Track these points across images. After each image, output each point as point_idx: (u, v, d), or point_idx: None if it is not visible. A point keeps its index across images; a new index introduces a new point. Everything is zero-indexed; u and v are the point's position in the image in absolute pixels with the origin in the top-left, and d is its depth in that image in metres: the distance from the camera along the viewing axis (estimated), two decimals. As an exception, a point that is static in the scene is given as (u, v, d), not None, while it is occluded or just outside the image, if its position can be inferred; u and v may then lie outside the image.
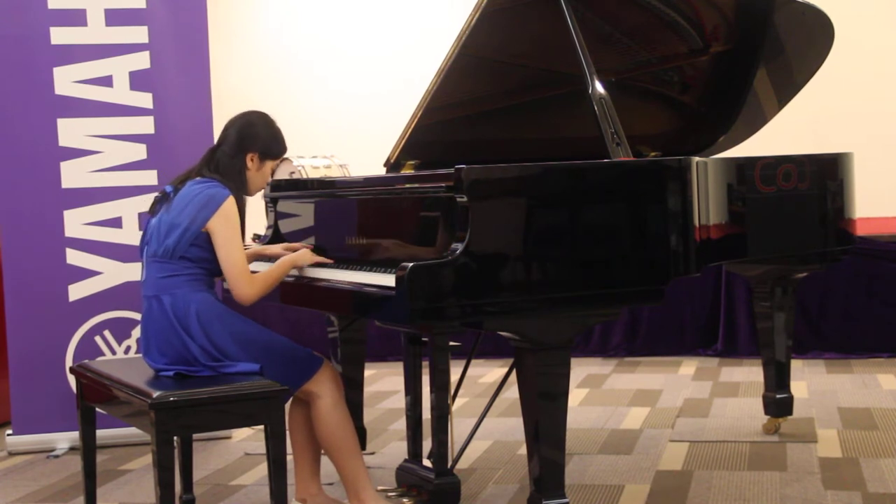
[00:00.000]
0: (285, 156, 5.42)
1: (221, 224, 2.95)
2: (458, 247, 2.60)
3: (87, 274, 4.27)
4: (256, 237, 5.32)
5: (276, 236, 3.62)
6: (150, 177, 4.28)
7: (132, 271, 4.23)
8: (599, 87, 3.04)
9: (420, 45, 6.89)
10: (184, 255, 2.96)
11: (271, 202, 3.65)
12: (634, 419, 4.41)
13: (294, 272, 3.21)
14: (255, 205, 4.68)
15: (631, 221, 2.78)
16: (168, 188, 3.10)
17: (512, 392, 4.45)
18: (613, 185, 2.80)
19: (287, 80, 7.21)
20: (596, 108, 3.01)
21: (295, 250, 3.28)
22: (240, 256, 2.96)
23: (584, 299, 2.72)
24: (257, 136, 3.11)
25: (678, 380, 5.19)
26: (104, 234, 4.27)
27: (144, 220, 3.16)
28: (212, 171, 3.06)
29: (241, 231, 3.02)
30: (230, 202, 2.97)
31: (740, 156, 3.29)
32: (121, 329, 4.29)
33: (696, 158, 2.93)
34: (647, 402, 4.73)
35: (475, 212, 2.62)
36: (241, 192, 3.07)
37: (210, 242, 2.96)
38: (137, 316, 4.18)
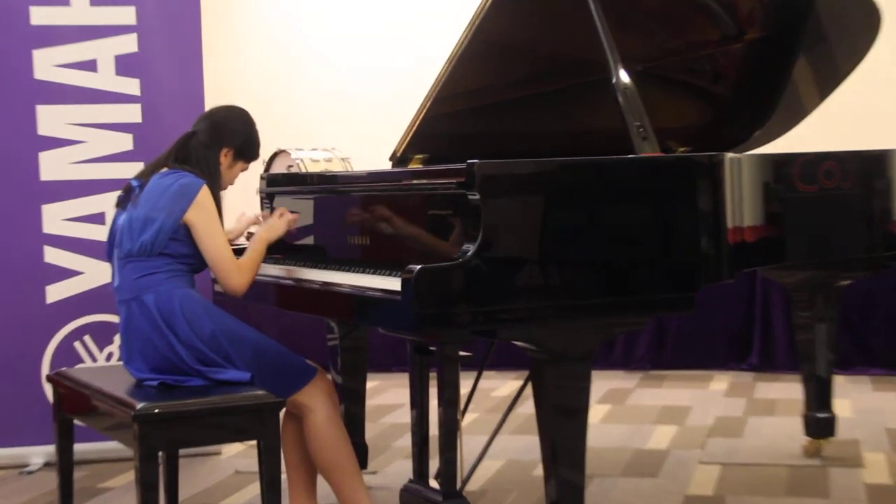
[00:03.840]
0: (283, 147, 5.48)
1: (199, 215, 2.99)
2: (470, 248, 2.61)
3: (66, 274, 4.29)
4: (249, 236, 5.34)
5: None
6: (136, 169, 4.25)
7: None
8: (624, 77, 3.04)
9: (430, 28, 6.90)
10: (163, 252, 2.99)
11: (267, 198, 3.67)
12: (661, 438, 4.41)
13: (291, 274, 3.22)
14: (249, 200, 4.70)
15: (658, 222, 2.79)
16: (134, 182, 3.13)
17: (527, 407, 4.44)
18: (639, 182, 2.80)
19: (286, 65, 7.22)
20: (620, 98, 3.01)
21: (258, 223, 3.35)
22: (224, 245, 3.01)
23: (607, 307, 2.73)
24: (238, 131, 3.15)
25: (709, 396, 5.19)
26: (86, 231, 4.29)
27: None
28: (181, 161, 3.09)
29: (220, 220, 3.05)
30: (205, 191, 3.02)
31: (778, 152, 3.29)
32: (102, 334, 4.31)
33: (730, 154, 2.94)
34: (675, 419, 4.73)
35: (488, 210, 2.63)
36: (215, 184, 3.10)
37: (190, 236, 3.00)
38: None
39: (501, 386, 5.53)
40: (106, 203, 4.28)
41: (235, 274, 3.01)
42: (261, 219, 3.47)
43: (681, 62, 3.66)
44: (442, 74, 3.44)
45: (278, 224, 3.25)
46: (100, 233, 4.28)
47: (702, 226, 2.82)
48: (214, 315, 3.01)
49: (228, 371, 2.97)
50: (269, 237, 3.20)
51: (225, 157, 3.14)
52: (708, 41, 3.61)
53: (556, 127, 3.72)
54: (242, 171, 3.22)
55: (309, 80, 7.23)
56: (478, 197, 2.64)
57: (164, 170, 3.10)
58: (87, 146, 4.29)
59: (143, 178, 3.12)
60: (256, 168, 5.18)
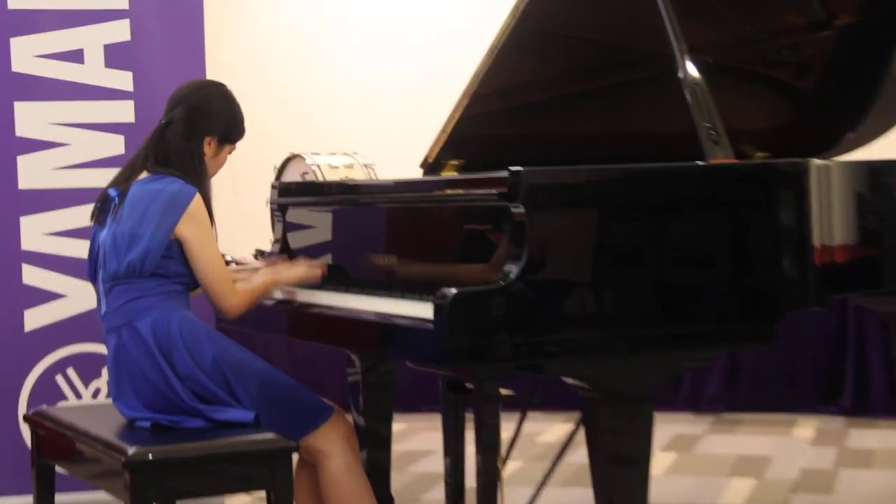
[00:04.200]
0: (297, 152, 5.51)
1: (192, 227, 3.02)
2: (513, 269, 2.62)
3: (47, 297, 4.32)
4: (259, 253, 5.35)
5: (284, 253, 3.65)
6: (128, 176, 4.33)
7: (103, 295, 4.28)
8: (693, 70, 3.04)
9: (467, 12, 6.93)
10: (155, 272, 3.02)
11: (279, 210, 3.69)
12: (736, 494, 4.39)
13: (306, 298, 3.24)
14: (258, 214, 4.71)
15: (732, 240, 2.78)
16: (111, 191, 3.15)
17: (579, 455, 4.43)
18: (710, 193, 2.81)
19: (299, 57, 7.26)
20: (688, 95, 3.01)
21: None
22: (218, 261, 3.06)
23: (672, 338, 2.72)
24: (216, 113, 3.16)
25: (792, 444, 5.15)
26: (70, 248, 4.31)
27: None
28: (161, 162, 3.11)
29: (212, 228, 3.10)
30: (197, 201, 3.05)
31: (874, 158, 3.28)
32: (88, 366, 4.33)
33: (817, 161, 2.93)
34: (753, 471, 4.70)
35: (534, 225, 2.64)
36: (202, 184, 3.13)
37: (183, 252, 3.03)
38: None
39: (549, 430, 5.51)
40: (93, 216, 4.32)
41: (230, 295, 3.06)
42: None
43: (759, 53, 3.64)
44: (481, 69, 3.46)
45: (299, 274, 3.24)
46: (86, 249, 4.27)
47: (783, 244, 2.81)
48: (217, 340, 3.04)
49: (231, 410, 2.99)
50: (281, 281, 3.23)
51: (209, 146, 3.16)
52: (791, 28, 3.60)
53: (612, 129, 3.71)
54: (230, 153, 3.24)
55: (326, 74, 7.25)
56: (522, 210, 2.65)
57: (145, 175, 3.12)
58: (71, 149, 4.31)
59: (120, 185, 3.14)
60: (266, 175, 5.23)
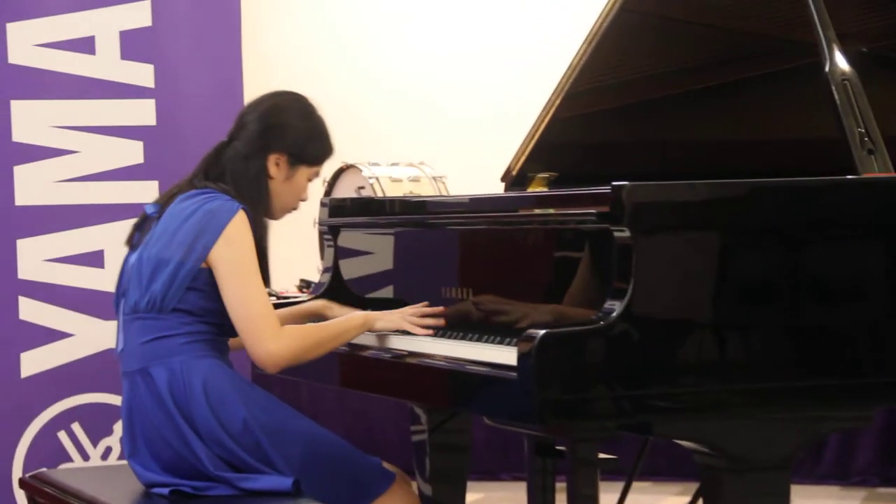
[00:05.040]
0: (351, 162, 5.52)
1: (228, 251, 3.00)
2: (615, 306, 2.61)
3: (49, 336, 4.37)
4: (305, 285, 5.37)
5: (335, 284, 3.66)
6: (148, 190, 4.35)
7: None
8: (842, 62, 3.01)
9: (552, 6, 6.92)
10: (178, 307, 3.02)
11: (329, 232, 3.70)
12: (892, 587, 4.32)
13: (365, 340, 3.24)
14: (302, 236, 4.73)
15: (891, 271, 2.76)
16: (150, 209, 3.16)
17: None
18: (862, 214, 2.78)
19: (353, 50, 7.27)
20: (836, 94, 2.98)
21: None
22: (258, 294, 3.00)
23: (815, 392, 2.70)
24: (288, 127, 3.15)
25: (964, 527, 5.07)
26: (77, 277, 4.37)
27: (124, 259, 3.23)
28: (213, 178, 3.12)
29: (261, 260, 3.06)
30: (240, 219, 3.02)
31: None
32: (98, 421, 4.38)
33: None
34: (914, 560, 4.63)
35: (642, 252, 2.63)
36: (259, 209, 3.11)
37: (213, 284, 3.02)
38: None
39: (660, 503, 5.48)
40: (106, 238, 4.36)
41: (270, 337, 2.99)
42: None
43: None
44: (576, 62, 3.45)
45: (396, 318, 3.16)
46: (97, 279, 4.37)
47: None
48: (250, 397, 3.03)
49: (266, 477, 2.99)
50: (368, 321, 3.14)
51: (276, 167, 3.14)
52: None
53: (738, 135, 3.68)
54: (312, 178, 3.22)
55: (386, 69, 7.26)
56: (627, 234, 2.64)
57: (191, 191, 3.15)
58: (79, 158, 4.37)
59: (161, 202, 3.16)
60: (314, 190, 5.26)
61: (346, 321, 3.15)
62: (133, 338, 3.07)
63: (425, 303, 3.20)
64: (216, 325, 3.06)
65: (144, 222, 3.17)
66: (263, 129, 3.14)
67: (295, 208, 3.24)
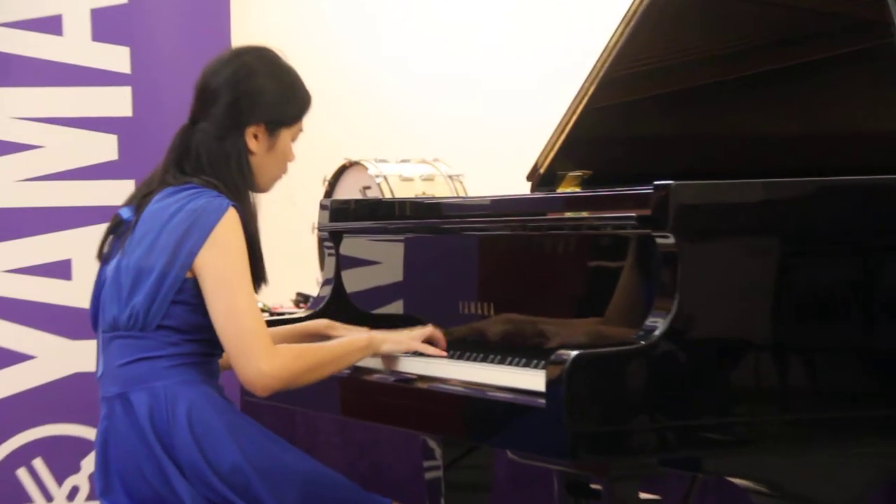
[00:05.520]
0: (355, 159, 5.52)
1: (216, 256, 2.98)
2: (658, 323, 2.61)
3: (8, 359, 4.37)
4: (302, 299, 5.37)
5: (336, 298, 3.66)
6: (122, 190, 4.28)
7: (87, 354, 4.28)
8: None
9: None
10: (163, 324, 3.01)
11: (330, 239, 3.70)
12: None
13: (370, 362, 3.24)
14: (301, 243, 4.71)
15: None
16: (125, 212, 3.14)
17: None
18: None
19: (356, 30, 7.28)
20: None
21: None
22: (247, 308, 2.98)
23: (889, 424, 2.69)
24: (259, 93, 3.11)
25: None
26: (40, 291, 4.37)
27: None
28: (190, 171, 3.09)
29: (253, 264, 3.03)
30: (230, 219, 3.00)
31: None
32: (64, 456, 4.37)
33: None
34: None
35: (689, 262, 2.62)
36: (246, 194, 3.09)
37: (201, 295, 3.01)
38: (93, 434, 4.24)
39: (706, 551, 5.45)
40: (74, 246, 4.36)
41: (262, 356, 2.97)
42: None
43: None
44: (612, 44, 3.44)
45: (405, 341, 3.17)
46: (63, 293, 4.37)
47: None
48: (240, 430, 3.01)
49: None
50: (373, 344, 3.14)
51: (256, 140, 3.12)
52: None
53: (798, 127, 3.66)
54: (297, 137, 3.18)
55: (398, 54, 7.26)
56: (672, 240, 2.63)
57: (168, 188, 3.12)
58: (43, 154, 4.37)
59: (137, 203, 3.13)
60: (313, 190, 5.23)
61: (349, 342, 3.15)
62: (112, 359, 3.06)
63: (433, 328, 3.20)
64: (206, 342, 3.04)
65: (119, 227, 3.14)
66: (232, 102, 3.11)
67: (285, 173, 3.23)
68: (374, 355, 3.16)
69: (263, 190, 3.19)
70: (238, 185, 3.09)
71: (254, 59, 3.18)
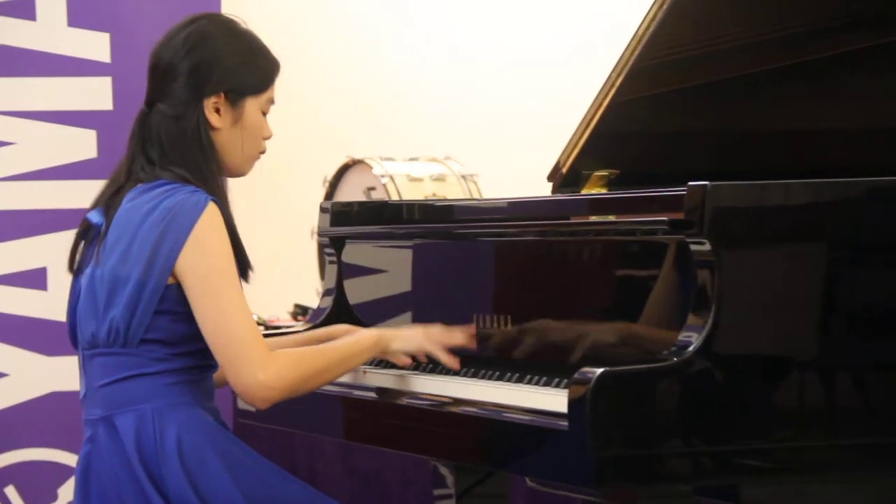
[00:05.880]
0: (359, 157, 5.52)
1: (199, 258, 2.95)
2: (692, 338, 2.61)
3: (-24, 377, 4.39)
4: (300, 311, 5.36)
5: (338, 309, 3.65)
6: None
7: (64, 372, 4.30)
8: None
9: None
10: (147, 337, 2.99)
11: (331, 245, 3.70)
12: None
13: (375, 380, 3.24)
14: (299, 249, 4.71)
15: None
16: (94, 216, 3.09)
17: None
18: None
19: (358, 19, 7.28)
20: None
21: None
22: (238, 312, 2.95)
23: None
24: (213, 58, 3.06)
25: None
26: (12, 302, 4.38)
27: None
28: (157, 161, 3.04)
29: (236, 253, 3.01)
30: (210, 216, 2.96)
31: None
32: (39, 483, 4.37)
33: None
34: None
35: (727, 270, 2.62)
36: (210, 180, 3.04)
37: (187, 303, 3.00)
38: (72, 459, 4.24)
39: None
40: (49, 252, 4.35)
41: (259, 364, 2.94)
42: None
43: None
44: (642, 31, 3.43)
45: (424, 339, 3.17)
46: (38, 305, 4.38)
47: None
48: (235, 458, 3.00)
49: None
50: (383, 340, 3.13)
51: (217, 114, 3.07)
52: None
53: (841, 122, 3.66)
54: (268, 108, 3.14)
55: (406, 42, 7.26)
56: (708, 247, 2.63)
57: (138, 185, 3.07)
58: (15, 151, 4.39)
59: (105, 203, 3.11)
60: (312, 191, 5.23)
61: (355, 341, 3.13)
62: (94, 378, 3.04)
63: (454, 330, 3.19)
64: (196, 353, 3.01)
65: (88, 232, 3.13)
66: (186, 74, 3.07)
67: (262, 152, 3.18)
68: (383, 354, 3.16)
69: (238, 172, 3.14)
70: (201, 166, 3.04)
71: (207, 23, 3.13)
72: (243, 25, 3.15)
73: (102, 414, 3.02)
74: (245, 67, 3.10)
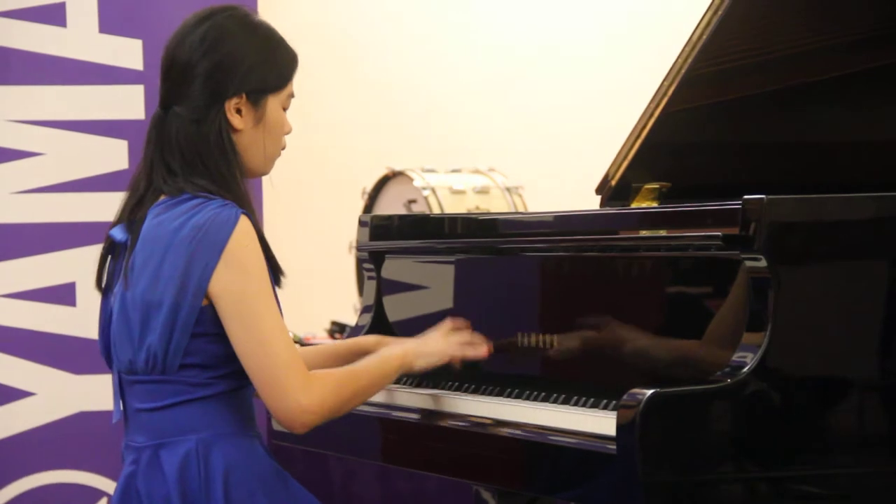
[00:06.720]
0: (399, 168, 5.52)
1: (232, 277, 2.91)
2: (747, 359, 2.60)
3: (4, 396, 4.38)
4: (338, 328, 5.36)
5: (378, 327, 3.65)
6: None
7: (92, 391, 4.31)
8: None
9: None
10: (186, 362, 2.97)
11: (370, 260, 3.69)
12: None
13: (413, 401, 3.22)
14: (337, 264, 4.71)
15: None
16: (117, 233, 3.06)
17: None
18: None
19: (400, 22, 7.30)
20: None
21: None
22: (276, 334, 2.93)
23: None
24: (234, 57, 3.00)
25: None
26: (40, 318, 4.38)
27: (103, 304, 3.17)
28: (178, 169, 3.00)
29: (270, 269, 2.98)
30: (242, 232, 2.91)
31: None
32: (73, 508, 4.40)
33: None
34: None
35: (783, 288, 2.61)
36: (233, 184, 2.99)
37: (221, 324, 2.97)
38: (105, 483, 4.24)
39: None
40: (79, 267, 4.34)
41: (300, 388, 2.92)
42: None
43: None
44: (697, 36, 3.41)
45: (440, 348, 3.17)
46: (67, 321, 4.37)
47: None
48: (284, 495, 2.99)
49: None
50: (413, 366, 3.14)
51: (239, 116, 3.03)
52: None
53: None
54: (288, 104, 3.10)
55: (447, 53, 7.27)
56: (763, 263, 2.62)
57: (162, 199, 3.07)
58: (45, 162, 4.39)
59: (128, 219, 3.07)
60: (351, 203, 5.23)
61: (385, 361, 3.11)
62: (135, 403, 3.02)
63: (461, 322, 3.23)
64: (236, 373, 2.97)
65: (114, 250, 3.10)
66: (205, 76, 3.02)
67: (283, 148, 3.14)
68: (408, 372, 3.17)
69: (260, 172, 3.10)
70: (225, 174, 2.99)
71: (223, 18, 3.06)
72: (259, 18, 3.10)
73: (146, 442, 2.98)
74: (266, 65, 3.05)
